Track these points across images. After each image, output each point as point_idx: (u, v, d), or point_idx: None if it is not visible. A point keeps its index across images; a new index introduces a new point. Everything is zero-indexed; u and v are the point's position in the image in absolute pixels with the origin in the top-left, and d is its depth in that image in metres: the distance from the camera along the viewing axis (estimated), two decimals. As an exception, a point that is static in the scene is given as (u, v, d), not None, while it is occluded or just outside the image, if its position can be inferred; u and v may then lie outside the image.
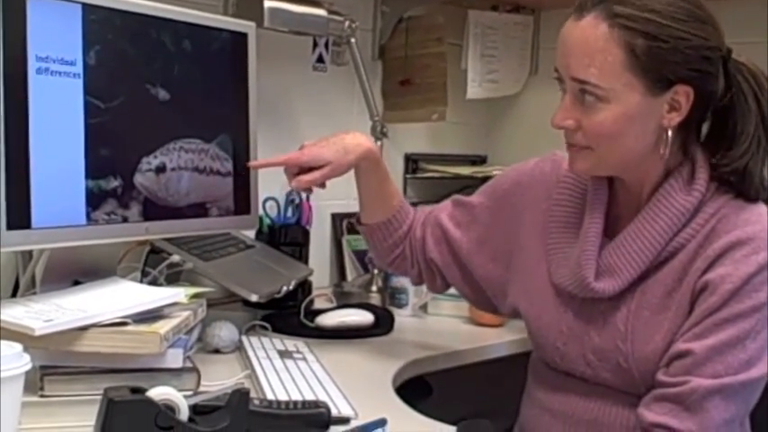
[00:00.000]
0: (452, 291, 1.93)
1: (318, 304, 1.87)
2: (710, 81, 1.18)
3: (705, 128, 1.25)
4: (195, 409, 1.02)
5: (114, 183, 1.33)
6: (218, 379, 1.32)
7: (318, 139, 1.45)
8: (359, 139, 1.45)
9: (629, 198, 1.27)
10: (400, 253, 1.51)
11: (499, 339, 1.80)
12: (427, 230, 1.49)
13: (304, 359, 1.44)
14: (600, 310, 1.26)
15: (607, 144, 1.19)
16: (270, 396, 1.24)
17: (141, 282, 1.48)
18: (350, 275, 2.17)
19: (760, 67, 1.23)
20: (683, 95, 1.16)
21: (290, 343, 1.54)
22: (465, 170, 2.40)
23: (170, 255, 1.56)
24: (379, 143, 1.99)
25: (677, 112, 1.18)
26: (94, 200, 1.30)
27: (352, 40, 1.94)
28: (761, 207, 1.21)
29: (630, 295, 1.23)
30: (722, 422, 1.14)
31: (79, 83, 1.27)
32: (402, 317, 1.89)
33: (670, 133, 1.19)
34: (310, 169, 1.43)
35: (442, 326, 1.89)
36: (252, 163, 1.41)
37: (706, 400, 1.13)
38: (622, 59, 1.14)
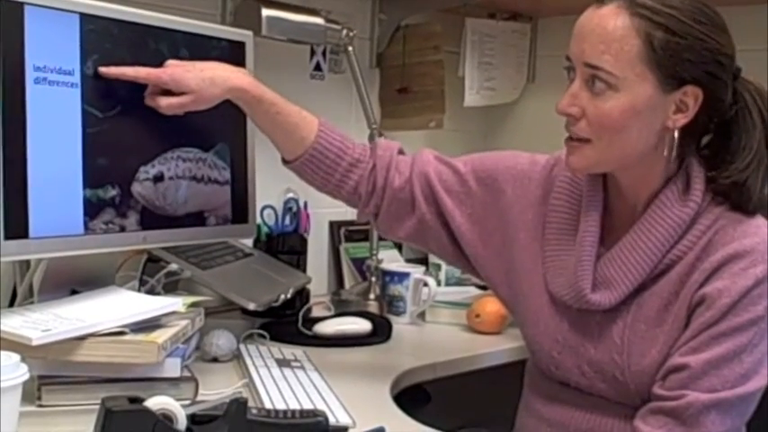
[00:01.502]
0: (450, 299, 1.96)
1: (316, 312, 1.88)
2: (720, 87, 1.18)
3: (704, 141, 1.25)
4: (193, 419, 1.02)
5: (112, 192, 1.33)
6: (216, 388, 1.32)
7: (186, 62, 1.36)
8: (229, 74, 1.35)
9: (625, 207, 1.26)
10: (339, 184, 1.40)
11: (497, 347, 1.80)
12: (416, 189, 1.39)
13: (302, 367, 1.44)
14: (596, 322, 1.26)
15: (608, 137, 1.18)
16: (268, 405, 1.24)
17: (139, 291, 1.48)
18: (348, 283, 2.17)
19: (761, 74, 1.24)
20: (692, 97, 1.16)
21: (288, 351, 1.54)
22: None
23: (168, 263, 1.56)
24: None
25: (683, 114, 1.17)
26: (92, 209, 1.30)
27: (350, 48, 1.94)
28: (759, 219, 1.21)
29: (626, 308, 1.23)
30: (718, 436, 1.14)
31: (77, 92, 1.27)
32: (400, 324, 1.89)
33: (676, 135, 1.19)
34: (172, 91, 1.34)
35: (440, 334, 1.89)
36: (102, 69, 1.29)
37: (702, 414, 1.13)
38: (639, 50, 1.14)
